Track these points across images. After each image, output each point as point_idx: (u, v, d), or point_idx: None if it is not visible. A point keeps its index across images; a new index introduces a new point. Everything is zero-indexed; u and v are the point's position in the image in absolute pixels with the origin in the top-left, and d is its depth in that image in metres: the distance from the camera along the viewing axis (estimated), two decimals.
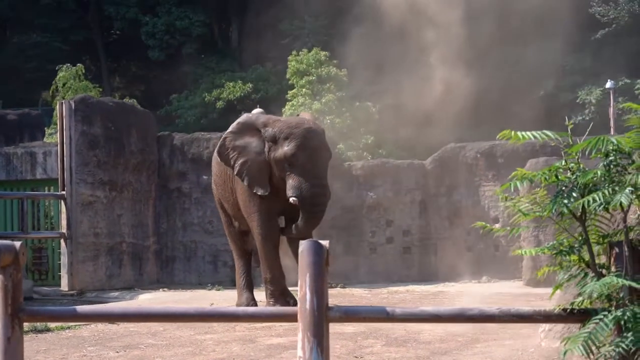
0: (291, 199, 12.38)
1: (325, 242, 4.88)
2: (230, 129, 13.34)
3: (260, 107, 27.98)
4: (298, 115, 13.81)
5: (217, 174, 13.89)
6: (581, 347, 4.39)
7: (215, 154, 14.13)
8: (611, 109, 30.38)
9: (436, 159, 20.32)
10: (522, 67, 34.50)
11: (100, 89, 28.87)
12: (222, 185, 13.71)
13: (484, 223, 5.36)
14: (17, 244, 4.94)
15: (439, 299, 14.87)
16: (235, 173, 12.99)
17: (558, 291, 6.54)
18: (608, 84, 30.91)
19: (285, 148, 12.53)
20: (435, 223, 20.16)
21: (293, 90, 28.11)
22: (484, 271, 19.58)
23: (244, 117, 13.60)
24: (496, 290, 16.74)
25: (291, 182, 12.44)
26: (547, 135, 4.76)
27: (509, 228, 5.29)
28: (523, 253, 5.23)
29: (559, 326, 8.65)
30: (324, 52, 28.50)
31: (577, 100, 33.02)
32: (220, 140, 13.36)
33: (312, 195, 12.44)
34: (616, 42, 33.65)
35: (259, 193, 12.81)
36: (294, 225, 12.61)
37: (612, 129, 29.02)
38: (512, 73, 34.71)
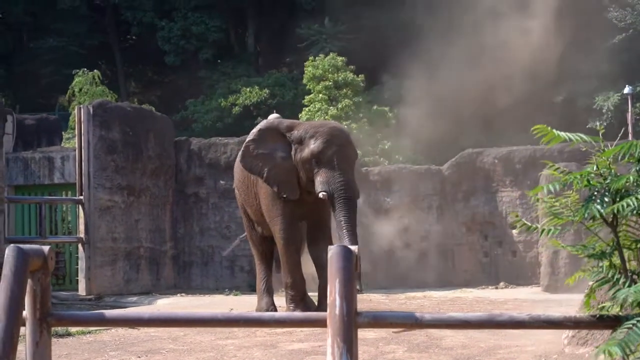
0: (320, 194, 12.39)
1: (354, 247, 4.86)
2: (251, 136, 13.26)
3: (276, 112, 28.11)
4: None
5: (240, 180, 13.87)
6: (617, 349, 4.35)
7: (237, 159, 14.15)
8: (629, 114, 30.28)
9: (453, 165, 20.27)
10: (540, 71, 34.41)
11: (116, 95, 28.94)
12: (245, 191, 13.69)
13: (517, 214, 5.32)
14: (46, 248, 4.93)
15: (458, 305, 14.83)
16: (263, 180, 12.95)
17: (581, 296, 6.51)
18: (626, 89, 30.81)
19: (312, 146, 12.56)
20: (453, 229, 20.10)
21: (310, 96, 28.10)
22: (501, 277, 19.54)
23: (264, 123, 13.56)
24: (514, 296, 16.68)
25: (319, 179, 12.47)
26: (581, 138, 4.73)
27: (537, 226, 5.23)
28: (557, 245, 5.19)
29: (583, 332, 8.62)
30: (340, 58, 28.49)
31: (594, 106, 32.92)
32: (243, 148, 13.27)
33: (341, 188, 12.43)
34: (633, 47, 33.52)
35: (290, 198, 12.79)
36: (339, 228, 12.38)
37: (630, 134, 28.93)
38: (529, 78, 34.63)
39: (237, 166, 14.03)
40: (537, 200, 5.02)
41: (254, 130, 13.33)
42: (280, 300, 14.22)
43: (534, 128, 4.93)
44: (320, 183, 12.48)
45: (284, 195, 12.83)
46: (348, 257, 4.77)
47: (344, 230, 12.26)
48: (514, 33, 27.37)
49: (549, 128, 4.84)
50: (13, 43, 43.03)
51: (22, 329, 4.81)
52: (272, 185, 12.86)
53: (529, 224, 5.13)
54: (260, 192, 13.26)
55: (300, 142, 12.77)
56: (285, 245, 12.99)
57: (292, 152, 12.86)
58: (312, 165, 12.59)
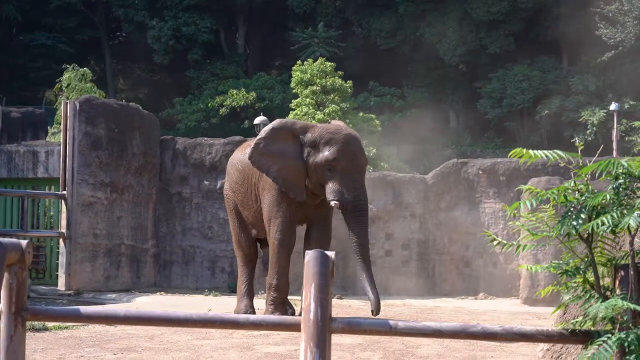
0: (332, 203, 12.47)
1: (331, 253, 4.88)
2: (262, 134, 13.20)
3: (263, 115, 28.08)
4: (329, 122, 13.90)
5: (237, 181, 13.78)
6: None
7: (232, 160, 14.09)
8: (614, 131, 30.43)
9: (438, 174, 20.30)
10: (527, 85, 34.65)
11: (104, 93, 28.89)
12: (244, 192, 13.62)
13: (490, 233, 5.36)
14: (24, 242, 4.94)
15: (436, 314, 14.86)
16: (271, 179, 12.92)
17: (558, 311, 6.55)
18: (612, 106, 30.96)
19: (327, 153, 12.57)
20: (435, 238, 20.14)
21: (297, 100, 28.14)
22: (481, 288, 19.58)
23: (277, 122, 13.45)
24: (493, 307, 16.73)
25: (331, 187, 12.51)
26: (558, 155, 4.77)
27: (514, 243, 5.28)
28: (529, 268, 5.24)
29: (557, 346, 8.64)
30: (329, 63, 28.54)
31: (580, 120, 33.08)
32: (253, 144, 13.19)
33: (353, 199, 12.57)
34: (622, 65, 33.71)
35: (297, 199, 12.82)
36: (353, 241, 12.75)
37: (614, 151, 29.08)
38: (516, 91, 34.86)
39: (234, 167, 13.94)
40: (514, 215, 5.06)
41: (266, 128, 13.28)
42: (259, 303, 14.23)
43: (511, 153, 4.98)
44: (333, 192, 12.52)
45: (291, 196, 12.84)
46: (324, 263, 4.80)
47: (357, 245, 12.70)
48: None
49: (524, 150, 4.88)
50: (2, 35, 42.93)
51: None
52: (279, 184, 12.85)
53: (503, 241, 5.18)
54: (263, 194, 13.23)
55: (314, 145, 12.74)
56: (279, 247, 13.00)
57: (304, 155, 12.83)
58: (324, 172, 12.61)
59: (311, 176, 12.80)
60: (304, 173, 12.84)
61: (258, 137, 13.28)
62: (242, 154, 13.88)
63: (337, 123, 13.58)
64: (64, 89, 27.30)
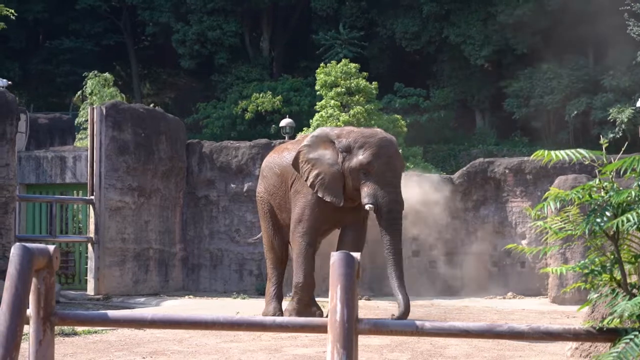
0: (367, 206, 12.56)
1: (356, 255, 4.90)
2: (305, 142, 13.41)
3: (289, 118, 28.08)
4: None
5: (275, 185, 13.85)
6: None
7: (268, 164, 14.15)
8: None
9: (464, 174, 20.26)
10: (557, 83, 34.51)
11: (125, 96, 28.95)
12: (282, 196, 13.71)
13: (515, 244, 5.37)
14: (51, 247, 4.98)
15: (465, 314, 14.84)
16: (308, 185, 13.02)
17: (586, 310, 6.52)
18: (639, 103, 30.74)
19: (361, 157, 12.67)
20: (462, 238, 20.10)
21: (321, 102, 28.11)
22: (509, 287, 19.51)
23: (318, 130, 13.76)
24: (521, 306, 16.68)
25: (366, 190, 12.60)
26: (580, 154, 4.75)
27: (540, 247, 5.28)
28: (553, 271, 5.22)
29: (586, 345, 8.61)
30: (353, 64, 28.50)
31: (609, 118, 32.87)
32: (296, 152, 13.35)
33: (388, 202, 12.64)
34: None
35: (335, 204, 12.89)
36: (385, 247, 12.74)
37: None
38: (545, 89, 34.73)
39: (271, 171, 14.01)
40: (538, 217, 5.06)
41: (309, 137, 13.53)
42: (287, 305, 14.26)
43: (534, 155, 4.98)
44: (368, 195, 12.60)
45: (329, 200, 12.89)
46: (350, 264, 4.81)
47: (390, 252, 12.73)
48: None
49: (546, 152, 4.87)
50: (29, 41, 43.14)
51: (25, 327, 4.86)
52: (315, 190, 12.94)
53: (527, 248, 5.19)
54: (296, 196, 13.31)
55: (349, 150, 12.86)
56: (307, 248, 13.09)
57: (340, 160, 12.91)
58: (359, 176, 12.69)
59: (347, 181, 12.88)
60: (341, 178, 12.91)
61: (301, 145, 13.40)
62: (279, 157, 13.97)
63: (374, 128, 13.69)
64: (87, 96, 27.46)
